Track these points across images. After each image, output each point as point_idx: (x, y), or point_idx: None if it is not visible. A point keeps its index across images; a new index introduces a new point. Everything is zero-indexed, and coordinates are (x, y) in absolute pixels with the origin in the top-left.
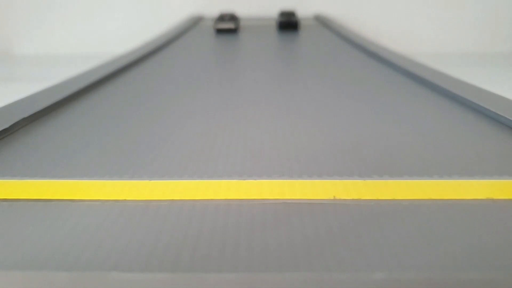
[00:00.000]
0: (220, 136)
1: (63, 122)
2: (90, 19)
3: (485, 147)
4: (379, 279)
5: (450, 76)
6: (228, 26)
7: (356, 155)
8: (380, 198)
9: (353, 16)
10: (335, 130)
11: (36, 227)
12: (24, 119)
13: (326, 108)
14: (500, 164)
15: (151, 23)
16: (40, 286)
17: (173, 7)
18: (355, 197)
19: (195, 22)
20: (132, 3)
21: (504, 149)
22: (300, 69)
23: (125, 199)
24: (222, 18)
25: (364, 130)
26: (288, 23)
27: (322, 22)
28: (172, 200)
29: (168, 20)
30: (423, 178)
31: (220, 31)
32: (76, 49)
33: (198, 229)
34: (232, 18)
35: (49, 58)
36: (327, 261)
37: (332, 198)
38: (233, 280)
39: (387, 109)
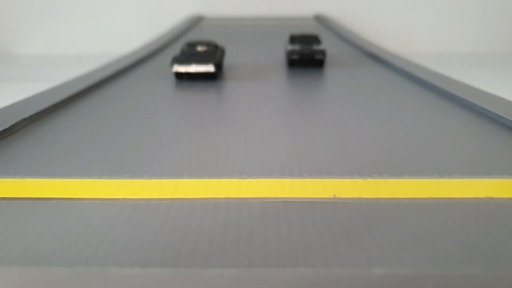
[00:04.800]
0: (221, 135)
1: (63, 123)
2: (91, 20)
3: (485, 147)
4: (379, 275)
5: (449, 78)
6: (200, 69)
7: (356, 155)
8: (380, 197)
9: (353, 17)
10: (335, 130)
11: (37, 225)
12: (24, 120)
13: (327, 110)
14: (500, 164)
15: (151, 23)
16: (41, 282)
17: (173, 7)
18: (355, 196)
19: (194, 23)
20: (133, 3)
21: (504, 149)
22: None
23: (125, 198)
24: (190, 50)
25: (364, 130)
26: (304, 58)
27: (325, 24)
28: (172, 198)
29: (168, 20)
30: (423, 177)
31: (182, 77)
32: (76, 49)
33: (198, 227)
34: (210, 50)
35: (49, 58)
36: (327, 257)
37: (332, 197)
38: (233, 275)
39: (387, 110)
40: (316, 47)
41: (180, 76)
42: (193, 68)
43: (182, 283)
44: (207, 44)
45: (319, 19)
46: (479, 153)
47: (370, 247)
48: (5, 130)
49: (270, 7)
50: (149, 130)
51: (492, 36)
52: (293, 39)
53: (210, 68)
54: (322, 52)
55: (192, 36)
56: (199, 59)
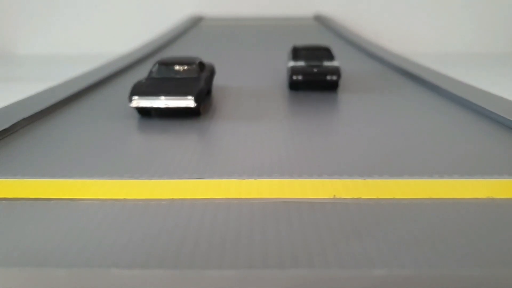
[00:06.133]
0: (221, 135)
1: (63, 122)
2: (91, 20)
3: (485, 147)
4: (379, 275)
5: (449, 77)
6: (174, 104)
7: (356, 155)
8: (380, 197)
9: (352, 17)
10: (335, 131)
11: (37, 225)
12: (24, 120)
13: (327, 110)
14: (500, 164)
15: (151, 23)
16: (41, 283)
17: (173, 7)
18: (355, 196)
19: (194, 23)
20: (133, 3)
21: (504, 149)
22: None
23: (125, 198)
24: (162, 74)
25: (363, 130)
26: (312, 79)
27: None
28: (172, 199)
29: (168, 20)
30: (423, 178)
31: (148, 113)
32: (76, 49)
33: (198, 227)
34: (191, 73)
35: (49, 58)
36: (327, 258)
37: (332, 197)
38: (233, 276)
39: (386, 109)
40: (327, 64)
41: (144, 112)
42: (162, 103)
43: (181, 284)
44: (188, 63)
45: (319, 19)
46: (479, 153)
47: (370, 247)
48: (5, 130)
49: (270, 7)
50: (148, 129)
51: (492, 36)
52: (297, 52)
53: (188, 102)
54: (336, 71)
55: (190, 38)
56: (173, 88)
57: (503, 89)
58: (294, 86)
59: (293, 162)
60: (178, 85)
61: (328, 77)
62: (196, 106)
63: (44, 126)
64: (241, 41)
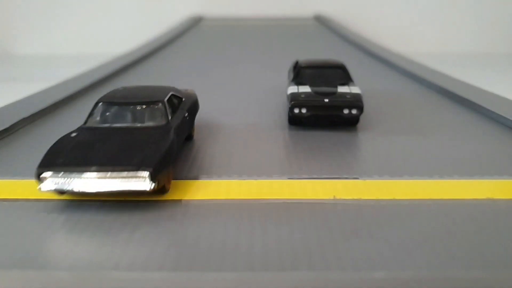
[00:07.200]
0: (219, 134)
1: (63, 122)
2: (90, 20)
3: (485, 147)
4: (380, 278)
5: (449, 76)
6: (114, 186)
7: (356, 155)
8: (380, 198)
9: (352, 17)
10: (336, 130)
11: (37, 226)
12: (24, 120)
13: None
14: (500, 164)
15: (151, 23)
16: (41, 285)
17: (173, 7)
18: (355, 197)
19: (194, 23)
20: (133, 3)
21: (504, 149)
22: None
23: (125, 199)
24: (104, 123)
25: (363, 130)
26: (321, 114)
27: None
28: (172, 200)
29: (168, 20)
30: (423, 178)
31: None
32: (75, 49)
33: (198, 228)
34: (155, 120)
35: (49, 58)
36: (327, 260)
37: (332, 197)
38: (233, 279)
39: (386, 109)
40: (342, 90)
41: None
42: (94, 184)
43: (181, 286)
44: (152, 100)
45: (320, 19)
46: (479, 154)
47: (370, 248)
48: (5, 130)
49: (270, 7)
50: None
51: (492, 36)
52: (300, 72)
53: (141, 182)
54: (356, 102)
55: (189, 38)
56: (117, 152)
57: (503, 89)
58: (295, 121)
59: (293, 162)
60: (126, 145)
61: (346, 111)
62: (156, 184)
63: (44, 126)
64: (240, 43)
